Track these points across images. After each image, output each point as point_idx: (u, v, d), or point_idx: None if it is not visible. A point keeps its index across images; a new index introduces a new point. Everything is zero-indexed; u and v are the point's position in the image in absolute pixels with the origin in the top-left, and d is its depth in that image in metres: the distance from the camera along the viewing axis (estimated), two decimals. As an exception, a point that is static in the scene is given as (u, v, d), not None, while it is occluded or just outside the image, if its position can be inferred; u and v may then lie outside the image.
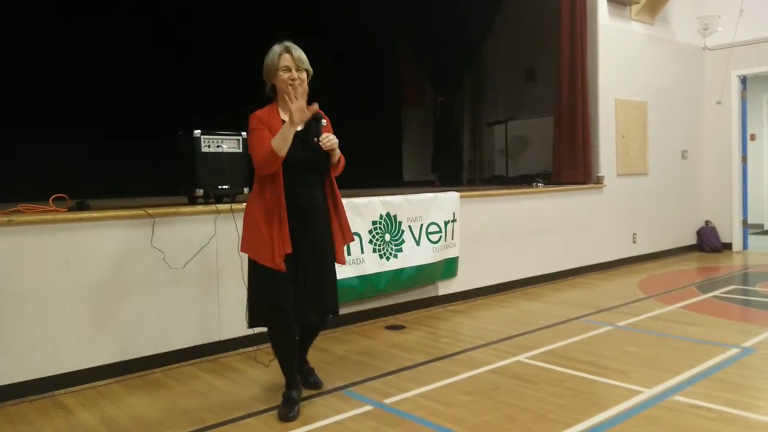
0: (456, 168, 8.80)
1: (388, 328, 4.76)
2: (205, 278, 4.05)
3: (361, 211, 4.72)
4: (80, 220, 3.58)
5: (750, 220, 8.80)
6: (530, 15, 8.50)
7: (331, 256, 3.19)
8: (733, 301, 5.45)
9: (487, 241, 5.83)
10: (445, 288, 5.51)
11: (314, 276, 3.10)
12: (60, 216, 3.53)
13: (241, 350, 4.17)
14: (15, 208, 3.53)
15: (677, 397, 3.15)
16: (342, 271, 4.53)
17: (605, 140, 7.15)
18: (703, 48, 8.52)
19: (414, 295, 5.28)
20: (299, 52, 3.05)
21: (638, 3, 7.43)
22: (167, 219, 3.89)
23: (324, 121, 3.15)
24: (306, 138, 3.04)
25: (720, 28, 8.18)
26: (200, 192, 4.11)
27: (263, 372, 3.76)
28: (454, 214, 5.40)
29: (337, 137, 3.09)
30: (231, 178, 4.21)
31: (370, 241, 4.78)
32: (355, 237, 4.67)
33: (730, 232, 8.47)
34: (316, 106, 2.99)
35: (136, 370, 3.77)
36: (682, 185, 8.33)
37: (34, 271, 3.43)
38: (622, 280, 6.54)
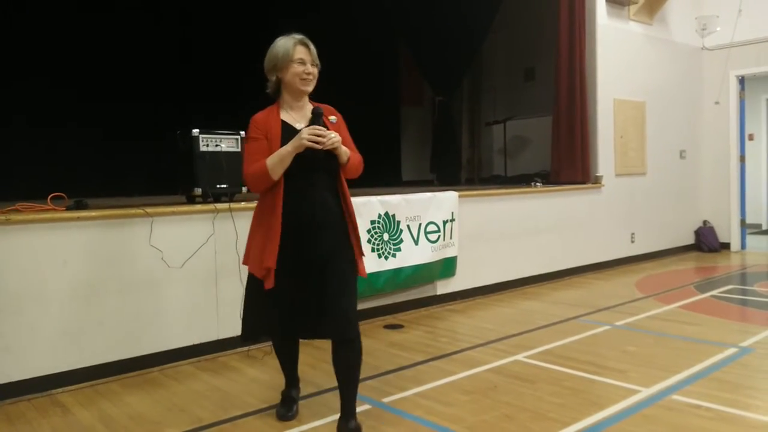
0: (454, 168, 8.79)
1: (387, 327, 4.76)
2: (203, 277, 4.05)
3: (359, 210, 4.71)
4: (78, 219, 3.58)
5: (748, 220, 8.82)
6: (529, 15, 8.50)
7: (343, 268, 2.74)
8: (731, 301, 5.45)
9: (486, 240, 5.83)
10: (443, 287, 5.51)
11: (322, 287, 2.69)
12: (58, 215, 3.52)
13: (239, 349, 4.17)
14: (13, 207, 3.53)
15: (675, 397, 3.15)
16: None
17: (604, 140, 7.16)
18: (702, 48, 8.53)
19: (412, 295, 5.28)
20: (314, 48, 2.80)
21: (637, 3, 7.43)
22: (165, 218, 3.89)
23: (334, 118, 2.84)
24: None
25: (718, 29, 8.19)
26: (199, 191, 4.10)
27: (261, 371, 3.76)
28: (452, 213, 5.40)
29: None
30: (229, 178, 4.20)
31: (369, 241, 4.78)
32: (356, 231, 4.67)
33: (728, 231, 8.49)
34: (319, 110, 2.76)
35: (134, 369, 3.77)
36: (681, 185, 8.33)
37: (32, 269, 3.43)
38: (620, 280, 6.55)
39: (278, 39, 2.79)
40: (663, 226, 8.04)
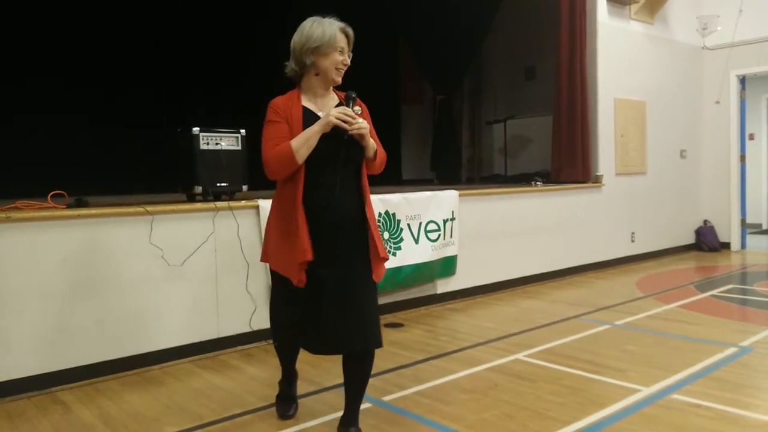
0: (455, 166, 8.80)
1: (387, 326, 4.76)
2: (203, 276, 4.05)
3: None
4: (78, 216, 3.58)
5: (748, 220, 8.81)
6: (530, 14, 8.50)
7: (365, 278, 2.58)
8: (731, 301, 5.45)
9: (486, 239, 5.83)
10: (443, 286, 5.51)
11: (340, 302, 2.53)
12: (58, 213, 3.52)
13: (240, 348, 4.17)
14: (13, 205, 3.53)
15: (675, 396, 3.15)
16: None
17: (604, 139, 7.16)
18: (702, 47, 8.52)
19: (412, 294, 5.28)
20: (353, 37, 2.64)
21: (638, 2, 7.43)
22: (166, 216, 3.89)
23: (358, 109, 2.60)
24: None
25: (719, 28, 8.18)
26: (199, 189, 4.10)
27: (262, 369, 3.75)
28: (452, 212, 5.39)
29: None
30: (230, 176, 4.21)
31: (369, 239, 4.77)
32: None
33: (729, 231, 8.48)
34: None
35: (135, 367, 3.77)
36: (681, 185, 8.33)
37: (33, 267, 3.43)
38: (620, 279, 6.55)
39: (314, 20, 2.57)
40: (663, 226, 8.04)
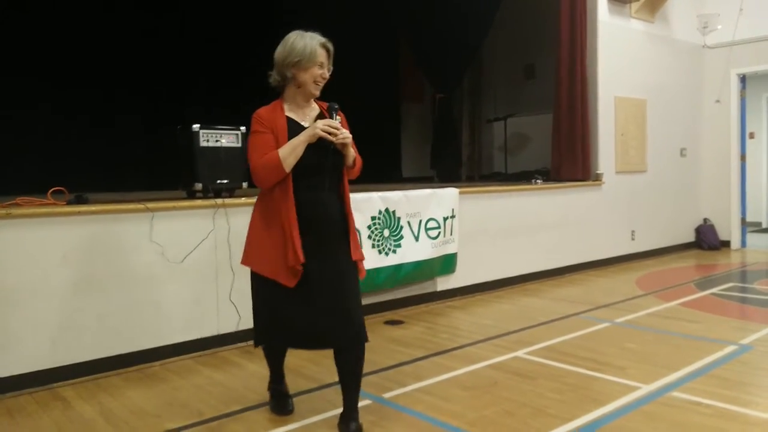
0: (455, 164, 8.80)
1: (387, 323, 4.77)
2: (203, 272, 4.05)
3: (360, 206, 4.71)
4: (79, 213, 3.58)
5: (748, 218, 8.81)
6: (530, 12, 8.49)
7: (349, 273, 2.72)
8: (731, 299, 5.46)
9: (486, 237, 5.83)
10: (443, 284, 5.51)
11: (328, 295, 2.64)
12: (58, 209, 3.52)
13: (240, 344, 4.17)
14: (13, 201, 3.54)
15: (675, 394, 3.16)
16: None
17: (604, 137, 7.16)
18: (703, 46, 8.52)
19: (413, 291, 5.28)
20: (333, 51, 2.75)
21: (638, 1, 7.42)
22: (166, 213, 3.89)
23: (338, 118, 2.73)
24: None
25: (720, 27, 8.18)
26: (199, 186, 4.11)
27: (262, 366, 3.75)
28: (452, 210, 5.40)
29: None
30: (230, 173, 4.21)
31: (369, 237, 4.78)
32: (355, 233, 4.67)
33: (729, 229, 8.48)
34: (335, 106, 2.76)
35: (135, 364, 3.78)
36: (681, 183, 8.33)
37: (33, 264, 3.43)
38: (620, 277, 6.55)
39: (296, 35, 2.68)
40: (663, 224, 8.04)
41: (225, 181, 4.20)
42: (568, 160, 6.92)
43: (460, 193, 5.51)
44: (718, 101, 8.47)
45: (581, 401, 3.08)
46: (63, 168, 5.14)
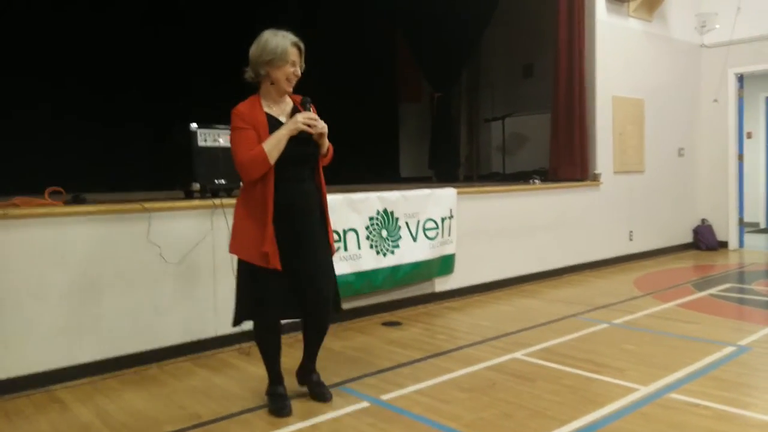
0: (453, 164, 8.79)
1: (385, 324, 4.76)
2: (201, 273, 4.04)
3: (357, 206, 4.71)
4: (76, 214, 3.57)
5: (746, 219, 8.82)
6: (528, 11, 8.49)
7: (324, 249, 3.05)
8: (729, 300, 5.46)
9: (484, 237, 5.83)
10: (441, 285, 5.51)
11: (307, 270, 2.97)
12: (56, 210, 3.51)
13: (238, 346, 4.16)
14: (11, 202, 3.52)
15: (673, 395, 3.16)
16: (339, 267, 4.51)
17: (602, 137, 7.16)
18: (701, 45, 8.52)
19: (410, 292, 5.28)
20: (304, 50, 2.97)
21: (636, 0, 7.42)
22: (163, 213, 3.88)
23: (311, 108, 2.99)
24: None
25: (717, 26, 8.18)
26: (197, 186, 4.09)
27: (260, 367, 3.73)
28: (450, 210, 5.39)
29: (331, 131, 2.99)
30: (227, 173, 4.19)
31: (367, 237, 4.77)
32: (352, 233, 4.67)
33: (727, 230, 8.49)
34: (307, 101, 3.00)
35: (133, 366, 3.76)
36: (679, 183, 8.34)
37: (30, 265, 3.42)
38: (618, 278, 6.55)
39: (269, 33, 2.88)
40: (661, 225, 8.05)
41: (223, 181, 4.18)
42: (566, 160, 6.92)
43: (458, 193, 5.51)
44: (715, 101, 8.48)
45: (579, 403, 3.08)
46: (60, 168, 5.11)
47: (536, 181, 6.69)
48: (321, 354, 3.83)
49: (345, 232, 4.61)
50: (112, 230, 3.70)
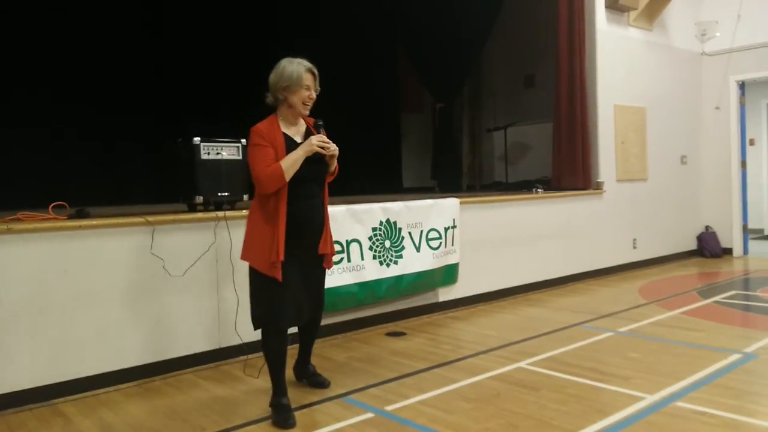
0: (456, 174, 8.80)
1: (389, 334, 4.75)
2: (204, 286, 4.04)
3: (361, 217, 4.71)
4: (80, 227, 3.57)
5: (750, 225, 8.80)
6: (529, 22, 8.53)
7: (322, 263, 3.35)
8: (734, 307, 5.44)
9: (487, 247, 5.82)
10: (445, 294, 5.49)
11: (311, 279, 3.27)
12: (59, 224, 3.52)
13: (241, 358, 4.15)
14: (14, 216, 3.53)
15: (679, 403, 3.14)
16: (342, 278, 4.53)
17: (604, 146, 7.16)
18: (702, 53, 8.54)
19: (414, 302, 5.27)
20: (318, 75, 3.19)
21: (636, 9, 7.45)
22: (167, 227, 3.88)
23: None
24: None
25: (718, 34, 8.20)
26: (200, 199, 4.10)
27: (263, 380, 3.73)
28: (454, 220, 5.39)
29: (336, 144, 3.18)
30: (230, 186, 4.20)
31: (370, 248, 4.77)
32: (356, 243, 4.67)
33: (731, 237, 8.46)
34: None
35: (136, 378, 3.76)
36: (682, 191, 8.33)
37: (34, 279, 3.42)
38: (622, 286, 6.53)
39: (286, 62, 3.12)
40: (665, 232, 8.03)
41: (226, 194, 4.19)
42: (569, 169, 6.92)
43: (461, 203, 5.51)
44: (717, 108, 8.48)
45: (585, 412, 3.06)
46: (64, 182, 5.14)
47: (539, 190, 6.69)
48: (324, 365, 3.87)
49: (348, 242, 4.61)
50: (116, 244, 3.70)
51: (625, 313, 5.23)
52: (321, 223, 3.25)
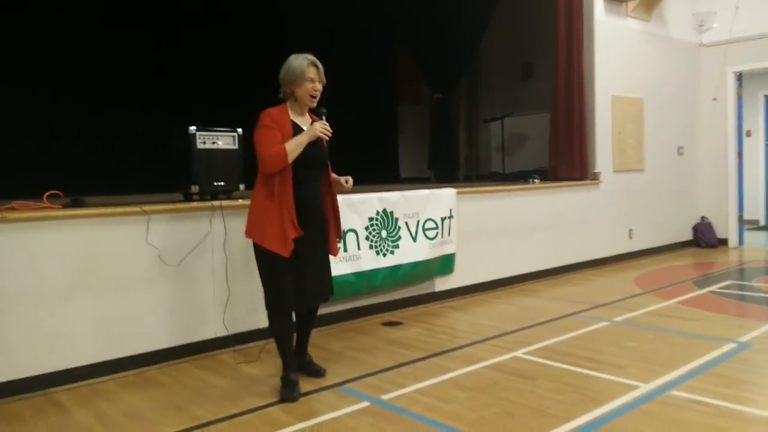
0: (452, 165, 8.79)
1: (385, 324, 4.75)
2: (200, 275, 4.03)
3: (357, 207, 4.70)
4: (75, 217, 3.56)
5: (745, 216, 8.81)
6: (527, 12, 8.48)
7: (327, 245, 3.46)
8: (729, 297, 5.45)
9: (484, 237, 5.82)
10: (441, 284, 5.50)
11: (316, 262, 3.37)
12: (54, 213, 3.50)
13: (237, 347, 4.15)
14: (9, 205, 3.51)
15: (674, 392, 3.15)
16: (338, 268, 4.52)
17: (601, 136, 7.15)
18: (699, 44, 8.53)
19: (411, 292, 5.27)
20: (322, 67, 3.32)
21: (634, 0, 7.42)
22: (162, 216, 3.87)
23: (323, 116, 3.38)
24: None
25: (716, 25, 8.18)
26: (196, 189, 4.08)
27: (259, 369, 3.74)
28: (450, 210, 5.38)
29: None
30: (226, 175, 4.19)
31: (367, 238, 4.77)
32: (352, 233, 4.67)
33: (726, 227, 8.48)
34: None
35: (132, 368, 3.76)
36: (678, 181, 8.33)
37: (29, 268, 3.41)
38: (618, 276, 6.55)
39: (293, 57, 3.28)
40: (661, 223, 8.04)
41: (222, 183, 4.17)
42: (566, 159, 6.91)
43: (458, 193, 5.50)
44: (714, 99, 8.48)
45: (581, 401, 3.07)
46: (59, 171, 5.10)
47: (536, 180, 6.69)
48: (320, 354, 3.87)
49: (345, 232, 4.60)
50: (111, 233, 3.69)
51: (621, 303, 5.25)
52: (322, 208, 3.38)
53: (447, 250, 5.38)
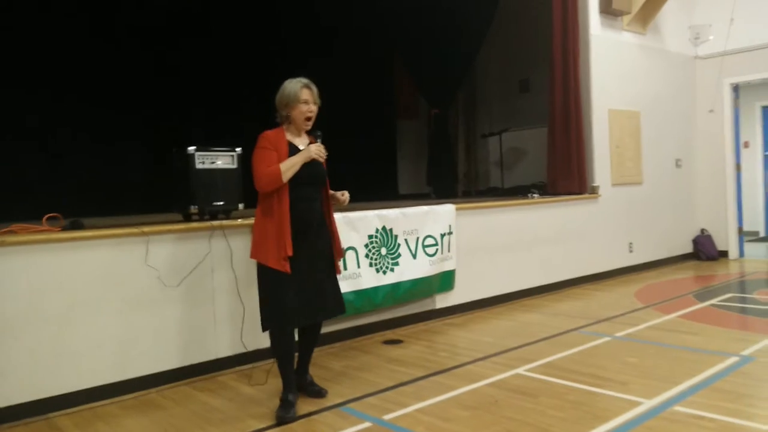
0: (451, 180, 8.79)
1: (386, 342, 4.73)
2: (200, 296, 4.02)
3: (356, 225, 4.70)
4: (74, 239, 3.56)
5: (745, 228, 8.81)
6: (523, 27, 8.55)
7: (331, 262, 3.49)
8: (731, 309, 5.44)
9: (484, 253, 5.81)
10: (442, 301, 5.48)
11: (319, 278, 3.38)
12: (53, 236, 3.50)
13: (237, 368, 4.13)
14: (8, 229, 3.51)
15: (677, 408, 3.13)
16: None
17: (599, 150, 7.17)
18: (695, 57, 8.57)
19: (411, 309, 5.26)
20: (316, 89, 3.39)
21: (630, 13, 7.47)
22: (162, 237, 3.87)
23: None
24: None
25: (711, 37, 8.23)
26: (195, 209, 4.09)
27: (259, 390, 3.72)
28: (450, 226, 5.38)
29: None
30: (226, 195, 4.19)
31: (367, 255, 4.76)
32: (351, 251, 4.66)
33: (726, 239, 8.48)
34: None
35: (132, 391, 3.73)
36: (677, 194, 8.34)
37: (28, 292, 3.40)
38: (619, 290, 6.53)
39: (287, 81, 3.36)
40: (661, 236, 8.04)
41: (221, 203, 4.18)
42: (564, 173, 6.92)
43: (457, 209, 5.50)
44: (711, 111, 8.51)
45: (584, 418, 3.05)
46: (58, 194, 5.12)
47: (535, 194, 6.69)
48: (321, 374, 3.85)
49: (344, 250, 4.60)
50: (111, 255, 3.69)
51: (622, 318, 5.23)
52: (321, 221, 3.41)
53: (447, 266, 5.38)
